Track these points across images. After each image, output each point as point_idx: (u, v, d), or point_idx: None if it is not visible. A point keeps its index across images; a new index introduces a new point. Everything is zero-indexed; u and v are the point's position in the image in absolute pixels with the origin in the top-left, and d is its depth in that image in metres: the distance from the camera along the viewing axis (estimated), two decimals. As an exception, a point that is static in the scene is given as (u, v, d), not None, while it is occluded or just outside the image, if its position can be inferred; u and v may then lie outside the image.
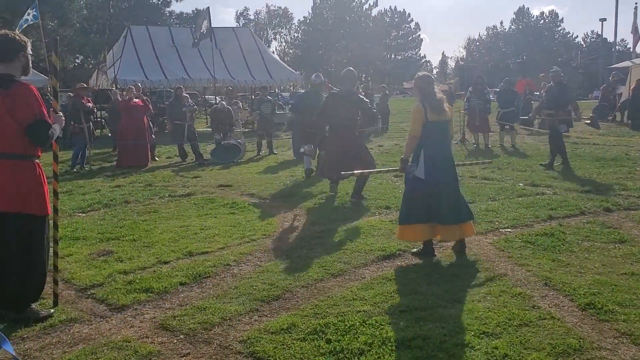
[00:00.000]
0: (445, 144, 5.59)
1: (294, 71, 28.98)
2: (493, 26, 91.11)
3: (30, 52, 4.27)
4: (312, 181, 10.17)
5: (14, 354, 2.25)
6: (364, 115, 8.57)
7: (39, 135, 4.08)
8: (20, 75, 4.20)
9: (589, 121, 11.89)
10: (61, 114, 4.52)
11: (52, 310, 4.33)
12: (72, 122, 12.76)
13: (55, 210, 4.58)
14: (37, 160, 4.24)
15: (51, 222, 4.49)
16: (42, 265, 4.27)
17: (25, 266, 4.13)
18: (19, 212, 4.05)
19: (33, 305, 4.28)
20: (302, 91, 20.12)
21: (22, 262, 4.11)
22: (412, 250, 5.68)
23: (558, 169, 10.77)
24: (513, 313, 4.08)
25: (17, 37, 4.18)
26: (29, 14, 18.86)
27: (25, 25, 18.97)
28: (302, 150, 10.48)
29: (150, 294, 4.68)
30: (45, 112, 4.13)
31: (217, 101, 17.94)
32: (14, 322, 4.12)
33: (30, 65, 4.31)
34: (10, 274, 4.09)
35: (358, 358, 3.50)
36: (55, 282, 4.52)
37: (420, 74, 5.72)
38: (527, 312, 4.11)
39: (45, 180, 4.26)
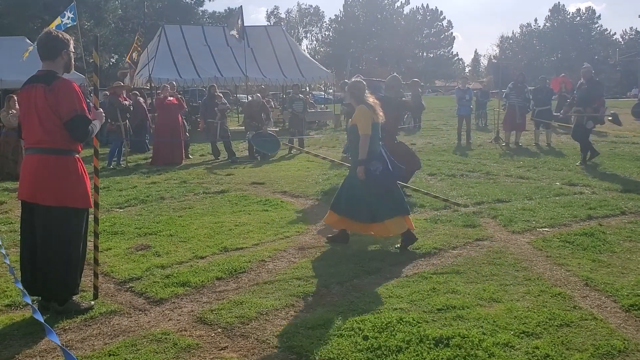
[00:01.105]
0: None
1: (325, 69, 28.95)
2: (527, 23, 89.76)
3: (73, 50, 4.35)
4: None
5: (60, 344, 2.28)
6: (410, 109, 8.55)
7: (79, 131, 4.14)
8: (62, 73, 4.28)
9: (610, 118, 11.73)
10: (101, 110, 4.60)
11: (92, 303, 4.40)
12: (108, 120, 12.98)
13: (96, 204, 4.63)
14: (77, 156, 4.30)
15: (91, 216, 4.59)
16: (81, 258, 4.35)
17: (66, 258, 4.19)
18: (60, 205, 4.12)
19: (74, 298, 4.35)
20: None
21: (62, 255, 4.17)
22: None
23: (584, 167, 10.55)
24: (554, 313, 4.00)
25: (60, 36, 4.27)
26: (66, 17, 19.26)
27: (64, 29, 19.40)
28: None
29: (188, 288, 4.73)
30: (86, 108, 4.20)
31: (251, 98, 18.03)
32: (57, 313, 4.21)
33: (73, 62, 4.39)
34: (52, 265, 4.16)
35: (396, 355, 3.47)
36: (96, 275, 4.62)
37: (353, 79, 6.04)
38: (568, 312, 4.03)
39: (87, 174, 4.32)
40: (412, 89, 10.00)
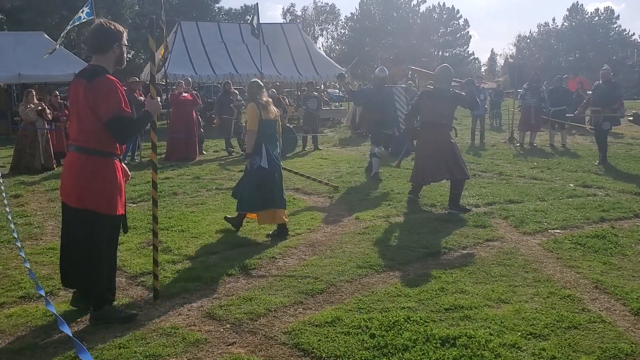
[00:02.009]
0: (276, 139, 6.43)
1: (340, 67, 28.93)
2: (545, 23, 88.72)
3: (125, 43, 4.07)
4: (356, 177, 10.18)
5: (71, 335, 2.33)
6: (466, 105, 8.04)
7: (118, 132, 3.89)
8: (113, 68, 4.03)
9: (631, 118, 11.65)
10: (158, 99, 4.28)
11: (134, 312, 4.20)
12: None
13: (154, 202, 4.53)
14: (113, 159, 4.04)
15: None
16: (105, 266, 4.06)
17: (88, 264, 3.99)
18: (81, 207, 3.93)
19: (115, 304, 4.20)
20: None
21: (85, 260, 3.98)
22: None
23: (599, 169, 10.47)
24: (562, 315, 3.99)
25: (113, 27, 3.98)
26: (83, 12, 19.41)
27: (79, 22, 19.54)
28: (375, 150, 10.02)
29: (198, 283, 4.78)
30: (126, 108, 3.92)
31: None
32: (93, 319, 4.07)
33: (125, 56, 4.12)
34: (78, 268, 4.01)
35: (402, 354, 3.49)
36: (155, 277, 4.44)
37: (251, 80, 6.56)
38: (576, 314, 4.02)
39: (120, 180, 4.08)
40: (466, 88, 9.50)
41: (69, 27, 17.86)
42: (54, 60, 21.26)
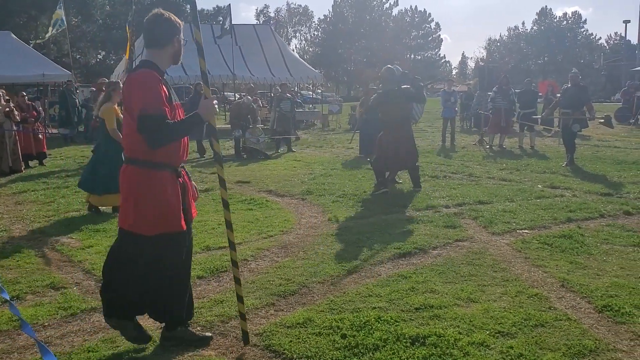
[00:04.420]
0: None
1: (313, 69, 28.98)
2: (514, 26, 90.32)
3: (182, 37, 3.54)
4: (329, 179, 10.20)
5: (37, 339, 2.30)
6: (413, 97, 8.85)
7: (148, 135, 3.26)
8: (169, 64, 3.51)
9: (602, 120, 11.99)
10: (211, 99, 3.60)
11: (209, 334, 3.80)
12: (94, 116, 12.90)
13: (228, 224, 3.84)
14: (165, 171, 3.41)
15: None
16: (178, 286, 3.62)
17: (161, 288, 3.55)
18: (122, 227, 3.47)
19: (189, 326, 3.79)
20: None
21: (137, 283, 3.52)
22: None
23: (566, 171, 10.70)
24: (529, 313, 4.07)
25: (172, 19, 3.46)
26: (58, 22, 19.18)
27: (60, 29, 19.28)
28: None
29: (169, 286, 4.73)
30: (162, 105, 3.29)
31: (240, 96, 17.99)
32: (164, 339, 3.72)
33: (182, 51, 3.56)
34: (150, 294, 3.57)
35: (373, 353, 3.52)
36: (243, 317, 3.76)
37: (112, 80, 7.17)
38: (543, 312, 4.10)
39: (173, 193, 3.45)
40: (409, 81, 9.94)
41: (51, 30, 17.64)
42: (22, 60, 20.88)
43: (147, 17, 3.46)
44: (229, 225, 3.80)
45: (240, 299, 3.77)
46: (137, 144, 3.33)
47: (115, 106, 7.52)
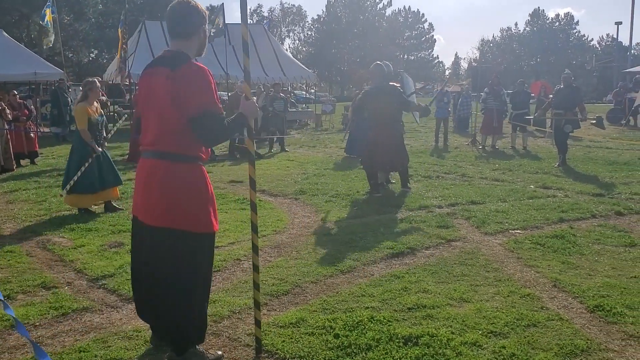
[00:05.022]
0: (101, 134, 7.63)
1: (307, 69, 28.97)
2: (507, 27, 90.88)
3: (207, 27, 3.44)
4: (322, 179, 10.20)
5: (30, 339, 2.28)
6: (401, 106, 8.65)
7: (207, 132, 3.17)
8: (194, 55, 3.36)
9: (594, 121, 12.06)
10: (254, 100, 3.55)
11: (220, 352, 3.56)
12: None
13: (253, 226, 3.68)
14: (201, 164, 3.39)
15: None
16: (197, 294, 3.35)
17: (178, 295, 3.26)
18: (165, 226, 3.22)
19: (199, 347, 3.48)
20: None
21: (174, 290, 3.25)
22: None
23: (559, 171, 10.76)
24: (521, 313, 4.08)
25: (199, 8, 3.32)
26: (45, 18, 19.13)
27: (49, 26, 19.23)
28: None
29: (161, 286, 4.71)
30: (219, 103, 3.23)
31: (236, 86, 17.94)
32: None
33: (207, 43, 3.46)
34: (163, 303, 3.29)
35: (365, 353, 3.52)
36: (258, 324, 3.59)
37: (88, 79, 7.59)
38: (535, 312, 4.12)
39: (211, 189, 3.43)
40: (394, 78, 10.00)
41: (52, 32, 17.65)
42: (13, 58, 20.73)
43: (172, 6, 3.30)
44: (254, 228, 3.66)
45: (257, 304, 3.58)
46: (182, 139, 3.20)
47: (90, 106, 7.37)
